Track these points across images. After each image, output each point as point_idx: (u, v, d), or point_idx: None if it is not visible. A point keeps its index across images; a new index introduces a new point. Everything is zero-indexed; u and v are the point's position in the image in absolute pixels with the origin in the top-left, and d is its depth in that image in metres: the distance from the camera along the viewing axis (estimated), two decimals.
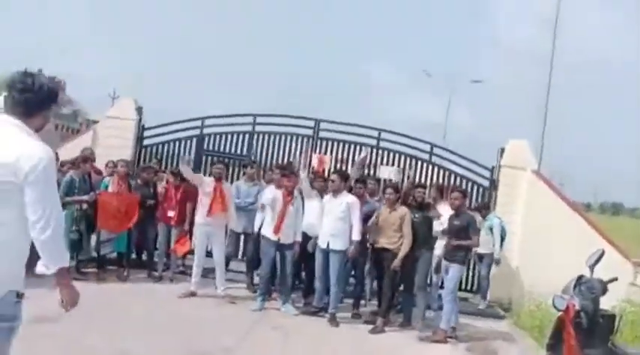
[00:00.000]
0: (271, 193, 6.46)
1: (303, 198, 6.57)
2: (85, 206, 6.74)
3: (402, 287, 6.45)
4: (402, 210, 6.20)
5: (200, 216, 6.60)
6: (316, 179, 7.03)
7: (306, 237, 6.50)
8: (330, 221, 6.22)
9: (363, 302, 6.84)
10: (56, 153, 7.70)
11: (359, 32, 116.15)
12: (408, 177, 8.23)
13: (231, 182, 7.71)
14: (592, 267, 4.05)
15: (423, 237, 6.21)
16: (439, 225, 6.36)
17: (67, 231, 6.58)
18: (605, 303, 3.97)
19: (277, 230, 6.30)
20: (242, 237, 7.44)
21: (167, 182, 7.47)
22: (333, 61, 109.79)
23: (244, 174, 7.54)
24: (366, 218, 6.40)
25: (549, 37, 12.54)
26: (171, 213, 7.17)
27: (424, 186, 6.61)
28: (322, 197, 6.58)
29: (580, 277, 3.95)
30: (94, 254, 6.99)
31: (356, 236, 6.20)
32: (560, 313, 3.90)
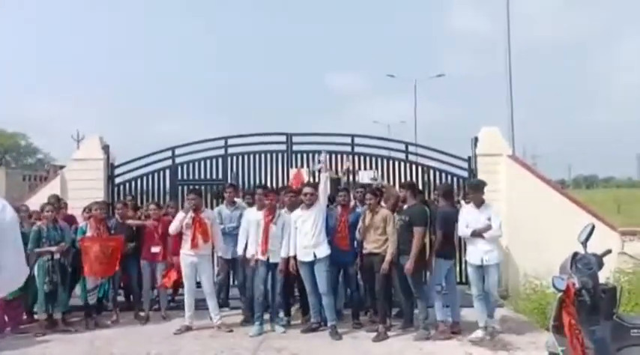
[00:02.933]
0: (253, 215, 6.40)
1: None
2: (57, 255, 6.43)
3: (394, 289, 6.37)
4: (384, 212, 6.16)
5: (185, 248, 6.44)
6: (287, 193, 6.82)
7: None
8: (309, 232, 6.14)
9: (363, 311, 6.74)
10: (25, 205, 7.43)
11: (320, 45, 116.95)
12: (388, 180, 8.23)
13: (212, 208, 7.58)
14: (584, 243, 4.02)
15: (406, 241, 5.94)
16: (465, 228, 5.94)
17: (41, 282, 6.34)
18: (599, 276, 3.97)
19: (264, 250, 6.21)
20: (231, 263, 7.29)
21: (143, 217, 7.27)
22: (299, 75, 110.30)
23: (223, 199, 7.42)
24: (353, 226, 6.35)
25: (503, 25, 12.82)
26: (155, 249, 6.96)
27: (403, 185, 6.53)
28: (291, 212, 6.43)
29: (575, 254, 3.92)
30: (80, 303, 6.73)
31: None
32: (561, 293, 3.87)
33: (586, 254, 3.94)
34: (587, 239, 4.04)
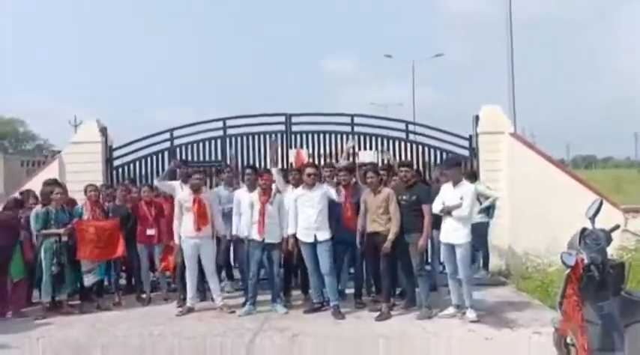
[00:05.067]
0: (247, 196, 6.33)
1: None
2: (64, 237, 6.41)
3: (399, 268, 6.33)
4: (386, 191, 6.09)
5: (186, 231, 6.36)
6: (291, 172, 6.84)
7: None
8: (312, 214, 6.10)
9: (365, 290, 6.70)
10: (21, 194, 7.29)
11: (318, 27, 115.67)
12: (388, 160, 8.12)
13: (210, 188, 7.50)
14: (592, 218, 3.97)
15: (411, 219, 5.93)
16: (439, 205, 5.87)
17: (48, 264, 6.30)
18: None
19: (260, 230, 6.16)
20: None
21: (139, 199, 7.18)
22: (296, 58, 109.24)
23: (222, 180, 7.35)
24: (357, 205, 6.29)
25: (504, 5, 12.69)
26: (151, 232, 6.91)
27: (408, 165, 6.44)
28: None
29: (583, 230, 3.87)
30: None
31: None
32: (569, 270, 3.81)
33: (594, 229, 3.89)
34: (595, 214, 3.98)
